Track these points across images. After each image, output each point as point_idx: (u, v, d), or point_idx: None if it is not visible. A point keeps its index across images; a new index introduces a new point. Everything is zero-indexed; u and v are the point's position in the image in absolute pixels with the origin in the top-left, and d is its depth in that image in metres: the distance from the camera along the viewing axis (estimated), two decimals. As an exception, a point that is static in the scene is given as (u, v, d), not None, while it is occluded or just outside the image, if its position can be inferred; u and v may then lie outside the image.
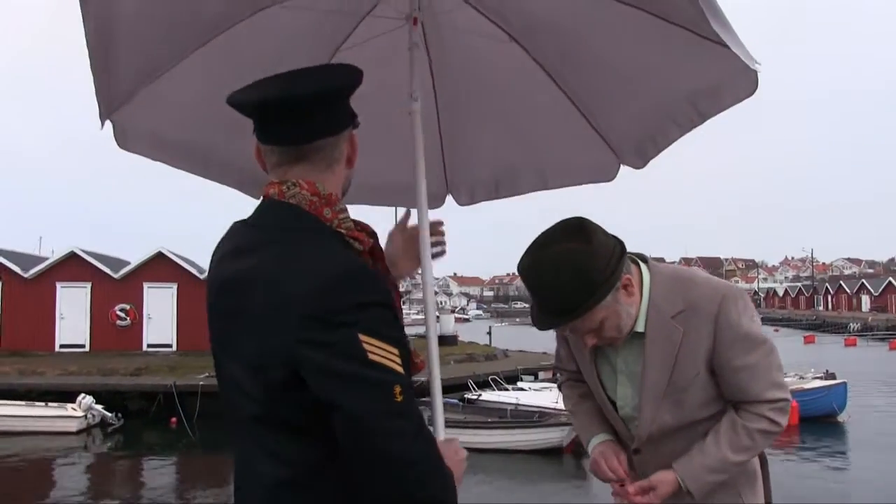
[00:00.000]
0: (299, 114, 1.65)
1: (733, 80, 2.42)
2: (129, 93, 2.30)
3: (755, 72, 2.29)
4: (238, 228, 1.74)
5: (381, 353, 1.49)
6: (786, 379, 2.41)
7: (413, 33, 2.39)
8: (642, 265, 2.34)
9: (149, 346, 29.32)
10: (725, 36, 1.88)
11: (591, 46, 2.60)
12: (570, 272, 2.11)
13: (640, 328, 2.27)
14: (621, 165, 3.02)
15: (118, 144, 2.45)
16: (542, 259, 2.16)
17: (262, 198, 1.72)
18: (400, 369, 1.51)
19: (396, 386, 1.49)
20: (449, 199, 3.24)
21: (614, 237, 2.24)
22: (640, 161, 2.93)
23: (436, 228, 2.36)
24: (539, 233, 2.23)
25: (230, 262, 1.68)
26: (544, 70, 2.76)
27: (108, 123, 2.33)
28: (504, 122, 3.01)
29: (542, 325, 2.24)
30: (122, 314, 28.69)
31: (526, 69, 2.75)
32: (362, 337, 1.48)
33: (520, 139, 3.07)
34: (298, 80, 1.66)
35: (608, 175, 3.08)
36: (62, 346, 28.74)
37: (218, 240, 1.77)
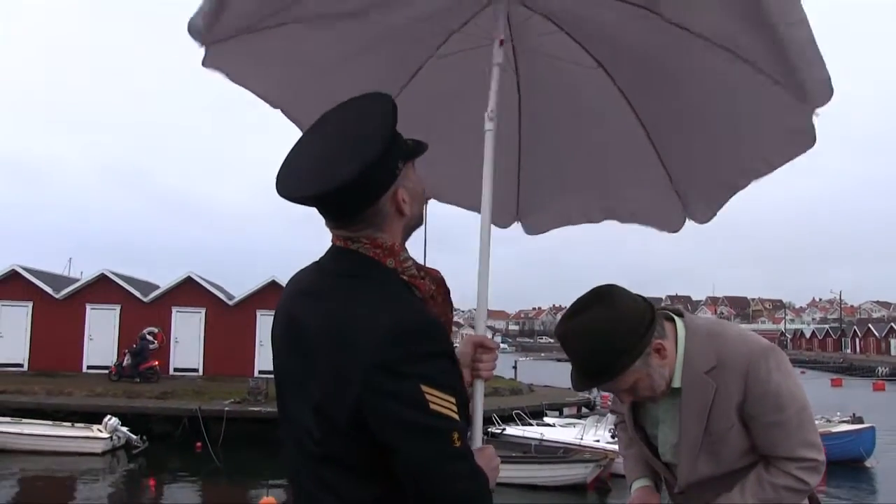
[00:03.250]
0: (341, 203, 1.72)
1: (801, 131, 2.39)
2: (235, 29, 2.34)
3: (813, 124, 2.32)
4: (311, 269, 1.85)
5: (440, 402, 1.60)
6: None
7: (497, 52, 2.40)
8: (678, 321, 2.41)
9: (175, 370, 29.48)
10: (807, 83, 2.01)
11: (678, 84, 2.56)
12: (596, 339, 2.23)
13: (676, 384, 2.34)
14: (687, 219, 2.97)
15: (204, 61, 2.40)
16: (573, 327, 2.28)
17: (331, 244, 1.82)
18: (456, 417, 1.63)
19: (454, 433, 1.62)
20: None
21: (645, 302, 2.32)
22: (705, 216, 2.90)
23: (488, 353, 2.16)
24: (573, 300, 2.34)
25: (300, 301, 1.78)
26: (626, 99, 2.74)
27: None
28: (584, 153, 3.01)
29: (576, 387, 2.40)
30: (151, 337, 28.92)
31: (610, 97, 2.74)
32: (424, 388, 1.59)
33: (596, 172, 3.05)
34: (336, 168, 1.66)
35: (673, 226, 3.03)
36: (89, 367, 28.92)
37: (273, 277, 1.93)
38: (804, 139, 2.40)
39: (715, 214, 2.88)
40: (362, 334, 1.62)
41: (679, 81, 2.54)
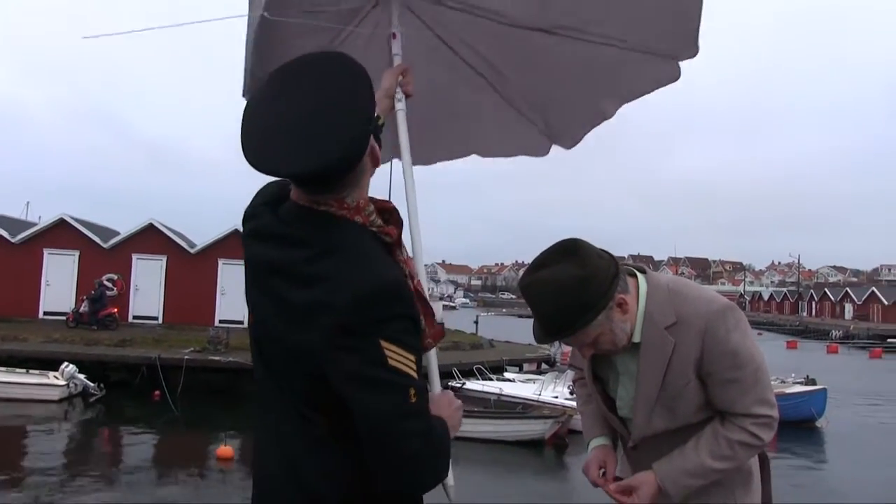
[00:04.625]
0: (325, 178, 1.70)
1: (654, 69, 2.90)
2: None
3: (677, 63, 2.82)
4: (267, 215, 1.82)
5: (400, 358, 1.64)
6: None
7: (393, 45, 2.77)
8: (640, 277, 2.43)
9: (134, 317, 29.26)
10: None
11: (528, 54, 3.08)
12: (563, 294, 2.23)
13: (636, 339, 2.36)
14: (552, 145, 3.50)
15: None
16: (538, 280, 2.28)
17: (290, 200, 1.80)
18: (415, 374, 1.66)
19: (411, 388, 1.65)
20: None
21: (609, 256, 2.33)
22: (570, 143, 3.42)
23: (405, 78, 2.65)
24: (538, 253, 2.35)
25: (265, 247, 1.79)
26: (477, 71, 3.25)
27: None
28: (456, 105, 3.44)
29: (538, 339, 2.39)
30: (109, 284, 28.54)
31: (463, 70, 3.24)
32: (384, 343, 1.63)
33: (461, 118, 3.51)
34: (321, 144, 1.63)
35: (539, 152, 3.55)
36: (46, 313, 28.59)
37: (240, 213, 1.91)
38: (669, 73, 2.91)
39: (578, 142, 3.39)
40: (331, 294, 1.64)
41: (530, 52, 3.05)
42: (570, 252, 2.28)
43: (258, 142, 1.67)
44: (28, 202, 50.04)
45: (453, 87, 3.30)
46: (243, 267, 1.89)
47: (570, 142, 3.38)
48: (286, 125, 1.66)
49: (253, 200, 1.93)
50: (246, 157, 1.67)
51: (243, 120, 1.71)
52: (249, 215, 1.89)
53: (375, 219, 1.79)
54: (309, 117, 1.65)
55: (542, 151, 3.51)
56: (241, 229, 1.95)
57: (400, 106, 2.63)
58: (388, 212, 1.86)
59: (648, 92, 3.03)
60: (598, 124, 3.27)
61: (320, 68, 1.73)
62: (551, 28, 2.85)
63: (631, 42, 2.83)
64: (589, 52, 2.88)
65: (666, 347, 2.33)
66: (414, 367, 1.66)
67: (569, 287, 2.22)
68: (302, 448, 1.76)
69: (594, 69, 2.99)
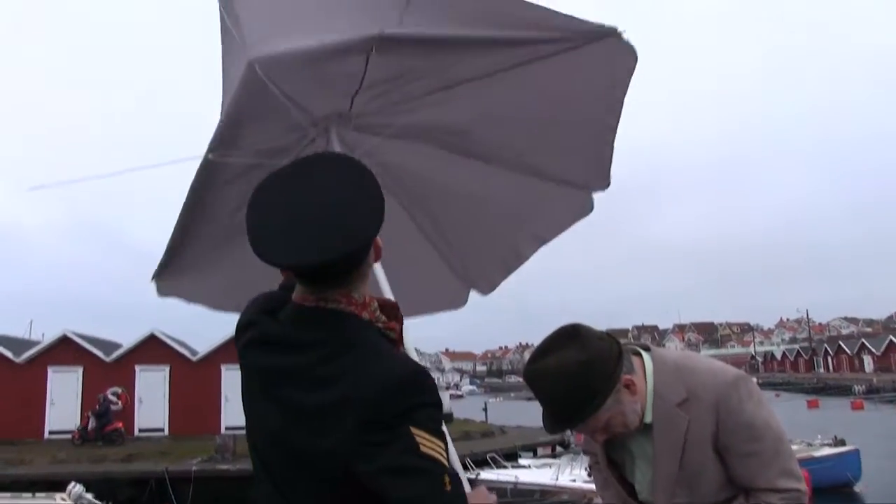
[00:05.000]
0: (335, 271, 1.73)
1: (569, 206, 2.98)
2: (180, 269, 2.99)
3: (591, 197, 2.90)
4: (268, 322, 1.82)
5: (431, 445, 1.64)
6: (793, 447, 2.41)
7: None
8: (645, 355, 2.40)
9: (140, 430, 28.92)
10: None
11: (442, 191, 3.13)
12: (568, 382, 2.20)
13: (647, 419, 2.32)
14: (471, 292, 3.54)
15: (158, 293, 3.12)
16: (541, 370, 2.24)
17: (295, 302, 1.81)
18: (446, 461, 1.66)
19: (445, 476, 1.64)
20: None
21: (611, 339, 2.31)
22: (489, 288, 3.46)
23: None
24: (541, 339, 2.33)
25: (271, 353, 1.77)
26: (408, 213, 3.27)
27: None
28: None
29: (549, 429, 2.33)
30: (114, 398, 28.26)
31: (399, 213, 3.24)
32: (414, 430, 1.63)
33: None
34: (336, 240, 1.66)
35: (457, 304, 3.56)
36: (52, 432, 28.23)
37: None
38: (572, 213, 2.98)
39: (495, 287, 3.42)
40: (353, 390, 1.64)
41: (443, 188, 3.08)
42: (570, 338, 2.25)
43: (279, 235, 1.68)
44: (31, 320, 50.31)
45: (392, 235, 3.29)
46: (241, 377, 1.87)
47: (488, 287, 3.41)
48: (308, 217, 1.68)
49: (246, 311, 1.92)
50: (265, 248, 1.67)
51: (255, 215, 1.72)
52: (245, 324, 1.88)
53: (380, 315, 1.82)
54: (331, 208, 1.69)
55: (461, 302, 3.52)
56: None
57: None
58: (390, 308, 1.88)
59: (565, 228, 3.06)
60: (515, 268, 3.31)
61: (331, 164, 1.81)
62: (480, 156, 2.90)
63: (550, 172, 2.89)
64: (511, 182, 2.92)
65: (679, 425, 2.28)
66: (444, 453, 1.67)
67: (573, 374, 2.20)
68: None
69: (515, 202, 3.03)
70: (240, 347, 1.86)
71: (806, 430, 25.30)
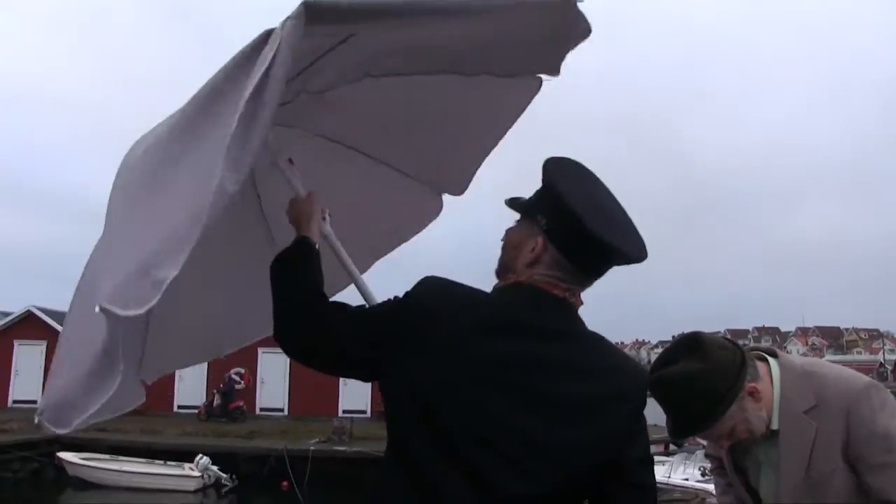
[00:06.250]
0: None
1: (520, 88, 2.68)
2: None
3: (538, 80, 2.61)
4: (515, 306, 1.81)
5: None
6: None
7: (290, 170, 2.41)
8: (772, 361, 2.38)
9: (261, 409, 30.09)
10: None
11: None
12: (690, 392, 2.23)
13: (774, 426, 2.29)
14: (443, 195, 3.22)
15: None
16: (664, 379, 2.26)
17: (532, 288, 1.83)
18: None
19: None
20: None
21: (733, 346, 2.31)
22: (460, 188, 3.15)
23: None
24: (661, 351, 2.42)
25: (525, 342, 1.75)
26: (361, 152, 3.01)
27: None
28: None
29: (673, 437, 2.39)
30: (237, 377, 29.47)
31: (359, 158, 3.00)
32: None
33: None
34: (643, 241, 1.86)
35: (431, 216, 3.25)
36: (180, 406, 29.72)
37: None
38: (525, 97, 2.70)
39: (468, 184, 3.13)
40: (626, 381, 1.82)
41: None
42: (692, 347, 2.27)
43: (626, 230, 1.83)
44: None
45: (354, 182, 3.05)
46: (457, 365, 1.72)
47: (458, 188, 3.20)
48: (627, 217, 1.87)
49: (448, 290, 1.84)
50: (623, 241, 1.78)
51: (596, 207, 1.80)
52: (468, 306, 1.79)
53: None
54: (630, 220, 1.87)
55: (437, 208, 3.26)
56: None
57: (328, 229, 2.30)
58: None
59: (521, 111, 2.83)
60: (481, 161, 3.12)
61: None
62: (429, 70, 2.67)
63: (502, 69, 2.65)
64: (465, 87, 2.68)
65: (807, 432, 2.24)
66: None
67: (695, 383, 2.21)
68: None
69: (472, 102, 2.80)
70: (470, 332, 1.74)
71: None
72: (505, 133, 2.90)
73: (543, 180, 1.82)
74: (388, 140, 2.94)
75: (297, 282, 1.93)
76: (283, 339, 1.90)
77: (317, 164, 2.74)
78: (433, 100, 2.72)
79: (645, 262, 1.84)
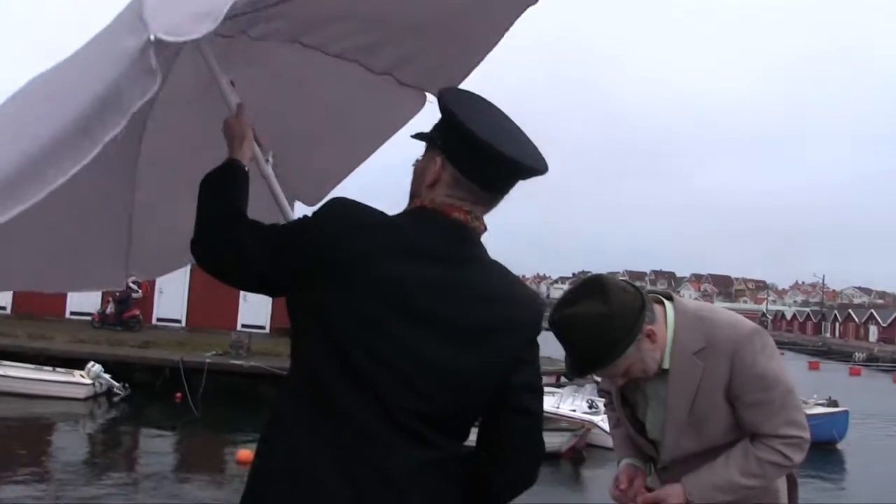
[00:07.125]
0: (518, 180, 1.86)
1: (400, 105, 2.76)
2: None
3: (424, 97, 2.70)
4: (413, 230, 1.79)
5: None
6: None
7: (230, 92, 2.25)
8: (668, 304, 2.50)
9: (158, 319, 29.63)
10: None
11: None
12: (591, 332, 2.30)
13: (665, 365, 2.43)
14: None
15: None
16: (566, 318, 2.35)
17: (432, 212, 1.81)
18: None
19: None
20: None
21: (634, 289, 2.39)
22: (316, 198, 3.00)
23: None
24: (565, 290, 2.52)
25: (422, 265, 1.74)
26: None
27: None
28: None
29: (571, 374, 2.54)
30: (135, 286, 28.78)
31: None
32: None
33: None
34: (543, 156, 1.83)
35: (415, 108, 2.98)
36: (73, 312, 28.87)
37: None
38: (410, 112, 2.78)
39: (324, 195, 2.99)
40: (521, 311, 1.84)
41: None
42: (595, 289, 2.34)
43: (518, 141, 1.82)
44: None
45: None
46: (364, 287, 1.73)
47: (313, 199, 3.03)
48: (523, 134, 1.86)
49: (352, 214, 1.81)
50: (515, 150, 1.76)
51: (487, 122, 1.78)
52: (371, 227, 1.78)
53: None
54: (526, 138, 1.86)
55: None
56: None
57: (269, 171, 2.24)
58: None
59: (399, 126, 2.82)
60: (345, 174, 3.03)
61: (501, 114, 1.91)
62: (345, 54, 2.62)
63: (406, 76, 2.67)
64: (365, 83, 2.67)
65: (695, 372, 2.39)
66: None
67: (596, 324, 2.29)
68: (444, 482, 1.77)
69: (363, 99, 2.77)
70: (375, 255, 1.74)
71: (804, 389, 25.72)
72: (380, 145, 2.93)
73: (440, 107, 1.83)
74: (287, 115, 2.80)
75: (217, 203, 1.91)
76: (197, 257, 1.92)
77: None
78: (332, 88, 2.72)
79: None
